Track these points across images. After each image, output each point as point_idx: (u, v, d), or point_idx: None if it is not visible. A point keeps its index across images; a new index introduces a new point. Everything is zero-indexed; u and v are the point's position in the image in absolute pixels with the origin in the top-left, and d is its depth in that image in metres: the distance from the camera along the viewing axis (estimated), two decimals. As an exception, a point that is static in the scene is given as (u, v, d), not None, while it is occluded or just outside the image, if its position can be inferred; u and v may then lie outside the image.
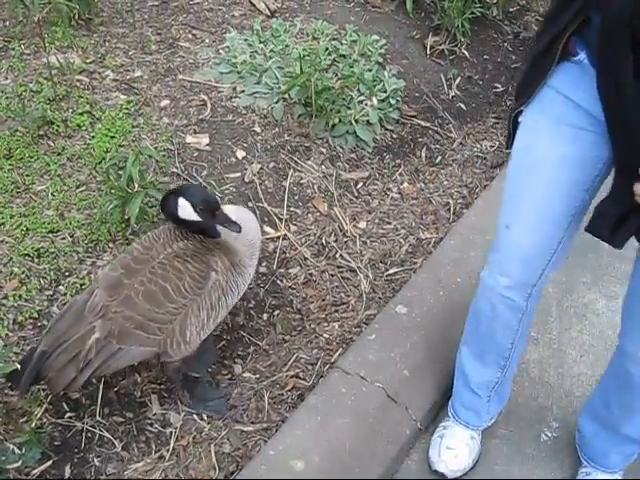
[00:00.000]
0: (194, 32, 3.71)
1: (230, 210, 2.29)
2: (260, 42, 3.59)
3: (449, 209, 3.17)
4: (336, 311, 2.72)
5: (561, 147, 1.80)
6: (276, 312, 2.70)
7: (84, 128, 3.11)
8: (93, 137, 3.07)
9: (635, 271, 1.89)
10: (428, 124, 3.53)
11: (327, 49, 3.57)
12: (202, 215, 2.20)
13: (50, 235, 2.72)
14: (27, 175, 2.91)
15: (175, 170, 3.01)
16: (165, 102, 3.30)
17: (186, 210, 2.19)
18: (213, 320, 2.25)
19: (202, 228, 2.26)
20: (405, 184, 3.23)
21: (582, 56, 1.69)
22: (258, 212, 2.93)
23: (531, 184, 1.89)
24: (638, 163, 1.58)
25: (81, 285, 2.58)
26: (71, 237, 2.72)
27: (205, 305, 2.20)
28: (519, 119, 1.88)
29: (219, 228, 2.26)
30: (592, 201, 1.92)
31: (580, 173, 1.83)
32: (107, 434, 2.30)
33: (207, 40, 3.67)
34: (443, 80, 3.74)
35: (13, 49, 3.43)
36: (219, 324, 2.35)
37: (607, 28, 1.53)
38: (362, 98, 3.39)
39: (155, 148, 3.03)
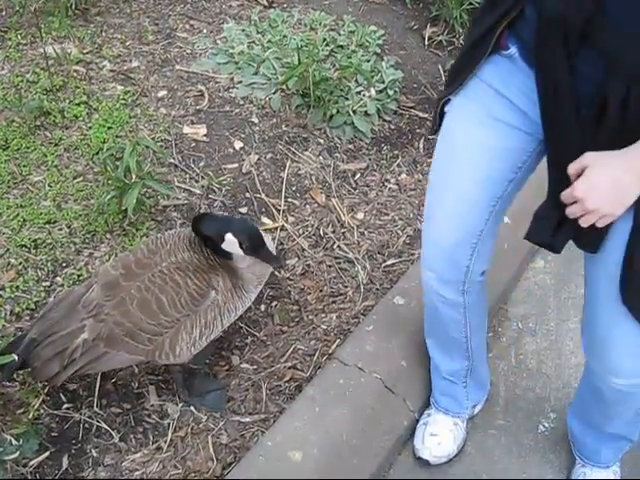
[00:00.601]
0: (191, 22, 3.70)
1: None
2: (258, 32, 3.58)
3: (447, 200, 3.16)
4: (334, 302, 2.72)
5: (487, 140, 1.75)
6: (274, 303, 2.69)
7: (81, 119, 3.10)
8: (90, 128, 3.07)
9: (585, 279, 1.85)
10: (426, 115, 3.51)
11: (325, 40, 3.56)
12: (247, 252, 2.19)
13: (47, 226, 2.71)
14: (24, 166, 2.90)
15: (172, 161, 3.01)
16: (162, 93, 3.29)
17: (231, 245, 2.17)
18: (206, 338, 2.22)
19: (220, 247, 2.21)
20: (403, 175, 3.22)
21: (513, 50, 1.63)
22: (256, 203, 2.93)
23: (453, 174, 1.84)
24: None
25: (78, 276, 2.58)
26: (68, 228, 2.72)
27: (199, 323, 2.17)
28: (445, 108, 1.82)
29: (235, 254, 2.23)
30: (515, 195, 1.88)
31: (504, 163, 1.78)
32: (104, 425, 2.29)
33: (204, 30, 3.66)
34: (441, 71, 3.73)
35: (10, 39, 3.42)
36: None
37: (542, 23, 1.47)
38: (360, 89, 3.38)
39: (152, 139, 3.02)
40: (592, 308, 1.85)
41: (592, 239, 1.64)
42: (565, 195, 1.50)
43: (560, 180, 1.54)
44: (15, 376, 2.29)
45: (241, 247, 2.17)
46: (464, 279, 1.98)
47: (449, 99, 1.80)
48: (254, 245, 2.19)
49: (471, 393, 2.39)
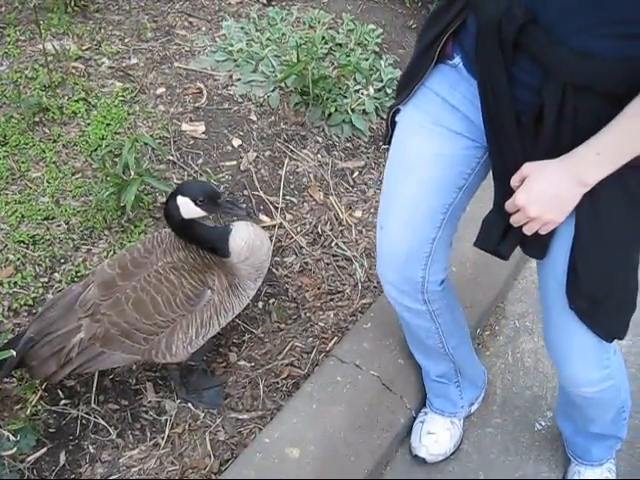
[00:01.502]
0: (190, 20, 3.70)
1: (245, 227, 2.23)
2: (257, 30, 3.58)
3: (445, 199, 3.16)
4: (331, 300, 2.72)
5: (436, 147, 1.77)
6: (271, 300, 2.70)
7: (80, 115, 3.10)
8: (89, 124, 3.06)
9: (539, 286, 1.85)
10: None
11: (324, 38, 3.56)
12: (205, 208, 2.12)
13: (45, 222, 2.71)
14: (22, 162, 2.90)
15: (171, 158, 3.01)
16: (161, 90, 3.29)
17: (188, 207, 2.10)
18: (202, 337, 2.22)
19: (213, 246, 2.20)
20: (401, 174, 3.22)
21: (457, 60, 1.66)
22: (254, 200, 2.93)
23: (404, 183, 1.85)
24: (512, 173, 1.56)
25: (76, 272, 2.58)
26: (66, 224, 2.72)
27: (195, 323, 2.17)
28: (396, 118, 1.84)
29: (231, 249, 2.19)
30: (468, 202, 1.89)
31: (453, 170, 1.79)
32: (102, 421, 2.30)
33: (203, 28, 3.66)
34: (440, 70, 3.74)
35: (9, 35, 3.42)
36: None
37: (479, 31, 1.49)
38: (358, 87, 3.38)
39: (151, 136, 3.02)
40: (546, 314, 1.88)
41: (537, 245, 1.67)
42: (508, 204, 1.56)
43: (504, 189, 1.58)
44: (13, 372, 2.29)
45: (197, 205, 2.10)
46: (422, 289, 1.98)
47: (399, 109, 1.82)
48: (209, 198, 2.11)
49: (465, 392, 2.39)
